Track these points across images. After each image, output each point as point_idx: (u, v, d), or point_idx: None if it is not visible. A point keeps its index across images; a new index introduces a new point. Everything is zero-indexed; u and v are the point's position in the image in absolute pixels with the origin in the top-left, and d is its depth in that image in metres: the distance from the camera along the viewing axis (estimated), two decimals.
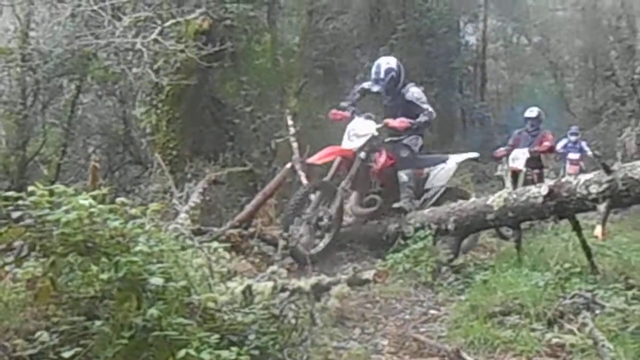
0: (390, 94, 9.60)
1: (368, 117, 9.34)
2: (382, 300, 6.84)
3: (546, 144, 13.29)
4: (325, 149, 9.14)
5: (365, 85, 9.90)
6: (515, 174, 12.49)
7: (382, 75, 9.52)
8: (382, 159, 9.27)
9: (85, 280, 3.79)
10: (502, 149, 13.52)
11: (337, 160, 8.96)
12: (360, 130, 9.13)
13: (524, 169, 12.56)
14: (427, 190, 9.62)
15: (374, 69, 9.72)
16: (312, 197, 8.76)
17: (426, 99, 9.56)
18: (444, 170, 9.80)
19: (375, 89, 9.66)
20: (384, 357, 5.22)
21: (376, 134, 9.17)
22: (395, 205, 9.15)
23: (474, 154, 10.80)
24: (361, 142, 9.05)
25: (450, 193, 9.67)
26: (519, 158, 12.80)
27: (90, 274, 3.77)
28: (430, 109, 9.42)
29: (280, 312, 4.54)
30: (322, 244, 8.66)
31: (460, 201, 8.65)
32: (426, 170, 9.73)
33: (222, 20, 12.61)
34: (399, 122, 9.17)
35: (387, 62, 9.67)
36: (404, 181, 9.31)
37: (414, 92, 9.51)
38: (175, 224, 7.24)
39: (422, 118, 9.30)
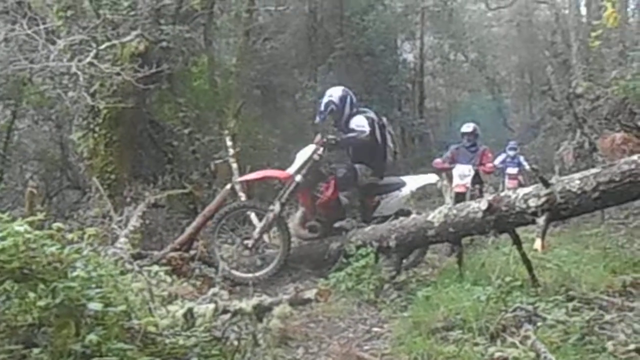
0: (337, 126, 9.61)
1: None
2: (325, 319, 6.84)
3: (489, 165, 13.42)
4: (261, 171, 9.34)
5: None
6: (464, 191, 12.58)
7: (322, 108, 9.58)
8: (329, 192, 9.25)
9: (22, 307, 3.72)
10: (439, 160, 13.57)
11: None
12: (300, 155, 9.17)
13: (470, 186, 12.68)
14: (375, 218, 9.47)
15: (320, 101, 9.76)
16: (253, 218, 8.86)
17: (366, 123, 9.38)
18: (396, 199, 9.74)
19: (317, 120, 9.87)
20: None
21: (316, 157, 9.11)
22: (337, 224, 9.17)
23: (433, 179, 10.69)
24: (297, 165, 9.06)
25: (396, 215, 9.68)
26: (466, 175, 12.88)
27: (27, 301, 3.71)
28: (363, 129, 9.30)
29: (222, 334, 4.52)
30: (268, 268, 8.74)
31: (402, 218, 8.69)
32: (377, 197, 9.67)
33: (158, 42, 12.52)
34: (317, 139, 9.25)
35: (329, 95, 9.62)
36: (345, 204, 9.30)
37: (354, 123, 9.42)
38: (114, 249, 7.17)
39: (349, 134, 9.29)
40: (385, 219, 9.26)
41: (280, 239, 8.95)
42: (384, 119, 9.97)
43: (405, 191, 9.83)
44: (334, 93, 9.63)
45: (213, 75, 15.48)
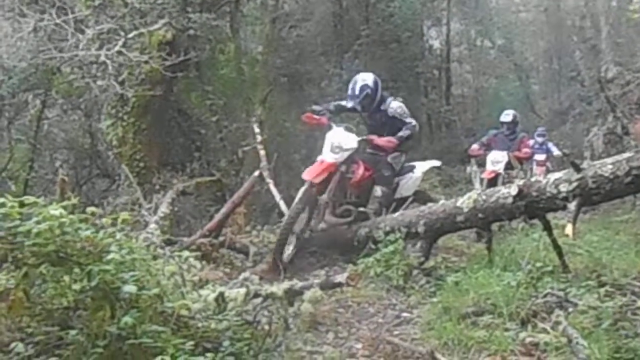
0: (366, 110, 9.62)
1: (348, 129, 9.25)
2: (354, 304, 6.83)
3: (526, 150, 13.37)
4: (316, 164, 9.00)
5: (343, 102, 9.82)
6: (495, 177, 12.52)
7: (357, 92, 9.46)
8: (360, 171, 9.22)
9: (58, 291, 3.77)
10: (476, 146, 13.49)
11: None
12: (344, 143, 9.00)
13: (503, 172, 12.61)
14: (396, 199, 9.58)
15: (350, 85, 9.64)
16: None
17: (408, 112, 9.53)
18: (411, 180, 9.87)
19: (350, 104, 9.63)
20: None
21: (357, 146, 9.11)
22: (362, 208, 9.19)
23: (437, 162, 11.04)
24: (345, 155, 8.97)
25: (417, 197, 9.84)
26: (499, 161, 12.81)
27: (62, 284, 3.76)
28: (414, 122, 9.44)
29: (253, 318, 4.54)
30: (288, 252, 8.60)
31: (430, 204, 8.70)
32: (395, 179, 9.70)
33: (185, 30, 12.56)
34: (386, 141, 9.18)
35: (363, 79, 9.57)
36: (377, 195, 9.31)
37: (395, 107, 9.45)
38: (146, 234, 7.23)
39: (404, 132, 9.30)
40: (404, 200, 9.51)
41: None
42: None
43: (418, 173, 10.00)
44: (368, 77, 9.62)
45: (240, 63, 15.50)
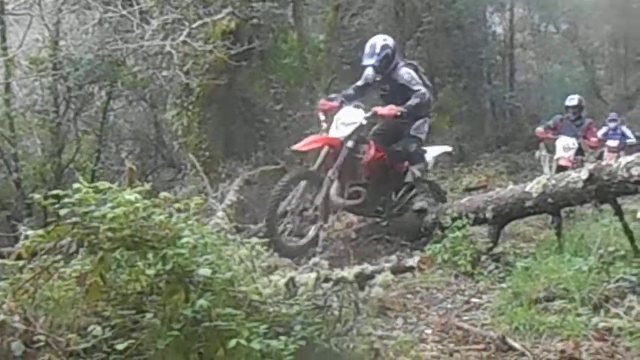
0: (380, 72, 9.14)
1: (356, 106, 8.94)
2: (422, 290, 6.85)
3: (594, 139, 13.20)
4: (310, 136, 8.96)
5: (360, 82, 9.38)
6: (567, 165, 12.32)
7: (377, 50, 9.01)
8: (371, 151, 8.87)
9: (132, 276, 3.82)
10: (540, 128, 13.32)
11: (324, 150, 8.61)
12: (347, 118, 8.74)
13: (573, 159, 12.46)
14: (406, 184, 9.30)
15: (368, 44, 9.19)
16: (300, 186, 8.52)
17: (419, 79, 9.11)
18: (422, 164, 9.48)
19: (368, 62, 9.13)
20: (429, 346, 5.22)
21: (364, 122, 8.76)
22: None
23: (449, 148, 10.72)
24: (348, 130, 8.64)
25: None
26: (570, 148, 12.67)
27: (137, 269, 3.80)
28: (423, 90, 8.94)
29: (324, 303, 4.54)
30: (305, 238, 8.47)
31: (498, 189, 8.63)
32: (406, 163, 9.31)
33: (248, 19, 12.64)
34: (387, 110, 8.71)
35: (383, 39, 9.23)
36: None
37: (403, 74, 9.05)
38: (216, 219, 7.30)
39: (411, 101, 8.81)
40: (412, 186, 9.25)
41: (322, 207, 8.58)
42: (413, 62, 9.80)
43: (429, 157, 9.63)
44: (388, 38, 9.36)
45: (303, 51, 15.52)
